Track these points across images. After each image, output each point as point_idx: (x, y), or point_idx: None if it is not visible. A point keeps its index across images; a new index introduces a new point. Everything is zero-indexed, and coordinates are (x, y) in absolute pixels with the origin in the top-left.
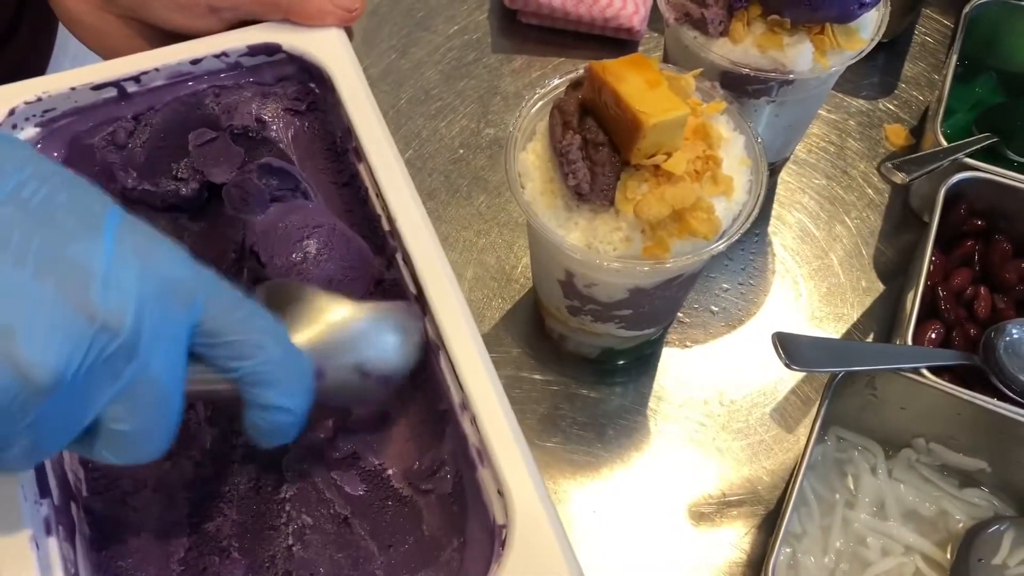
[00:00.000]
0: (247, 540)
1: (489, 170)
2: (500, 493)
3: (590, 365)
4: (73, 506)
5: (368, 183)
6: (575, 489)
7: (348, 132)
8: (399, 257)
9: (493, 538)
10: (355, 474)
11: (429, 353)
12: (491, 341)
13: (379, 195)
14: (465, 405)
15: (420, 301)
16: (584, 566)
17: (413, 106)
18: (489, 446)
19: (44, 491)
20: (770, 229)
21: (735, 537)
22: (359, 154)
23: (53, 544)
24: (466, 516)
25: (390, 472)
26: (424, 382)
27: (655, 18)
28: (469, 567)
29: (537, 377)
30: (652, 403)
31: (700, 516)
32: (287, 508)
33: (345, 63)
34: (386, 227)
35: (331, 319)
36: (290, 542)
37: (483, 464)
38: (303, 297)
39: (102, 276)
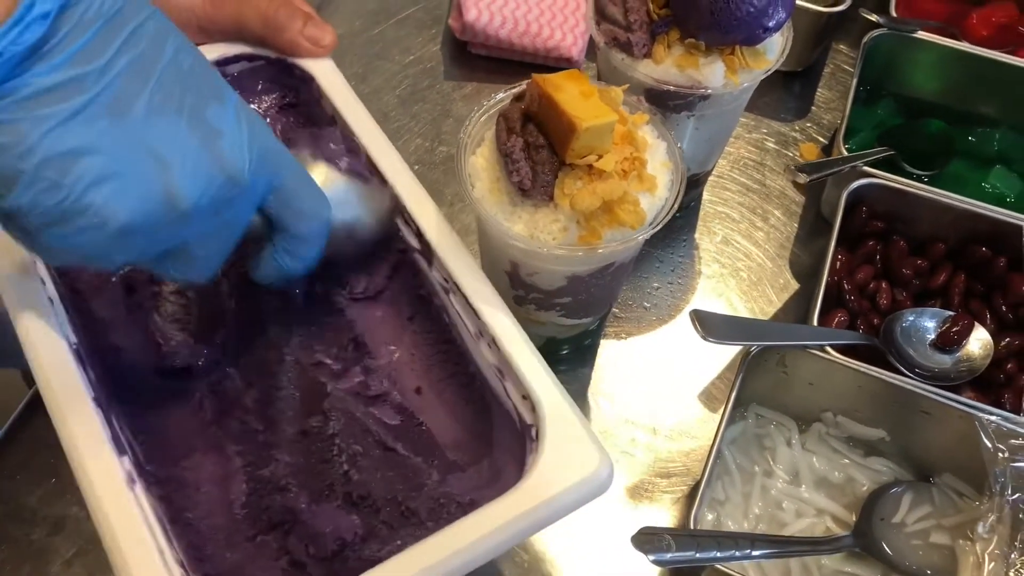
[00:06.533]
0: (303, 476)
1: (443, 183)
2: (524, 397)
3: None
4: (135, 469)
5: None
6: None
7: (332, 120)
8: (400, 220)
9: (524, 437)
10: (388, 407)
11: (444, 294)
12: None
13: (373, 166)
14: (481, 332)
15: (426, 254)
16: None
17: None
18: (511, 360)
19: (121, 449)
20: (696, 235)
21: (667, 505)
22: (345, 137)
23: (137, 492)
24: (493, 425)
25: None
26: (434, 323)
27: (592, 49)
28: (505, 466)
29: None
30: (592, 388)
31: (634, 490)
32: (337, 441)
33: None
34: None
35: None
36: (345, 468)
37: (505, 378)
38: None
39: (228, 137)
